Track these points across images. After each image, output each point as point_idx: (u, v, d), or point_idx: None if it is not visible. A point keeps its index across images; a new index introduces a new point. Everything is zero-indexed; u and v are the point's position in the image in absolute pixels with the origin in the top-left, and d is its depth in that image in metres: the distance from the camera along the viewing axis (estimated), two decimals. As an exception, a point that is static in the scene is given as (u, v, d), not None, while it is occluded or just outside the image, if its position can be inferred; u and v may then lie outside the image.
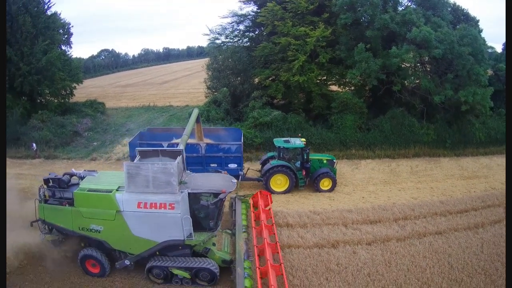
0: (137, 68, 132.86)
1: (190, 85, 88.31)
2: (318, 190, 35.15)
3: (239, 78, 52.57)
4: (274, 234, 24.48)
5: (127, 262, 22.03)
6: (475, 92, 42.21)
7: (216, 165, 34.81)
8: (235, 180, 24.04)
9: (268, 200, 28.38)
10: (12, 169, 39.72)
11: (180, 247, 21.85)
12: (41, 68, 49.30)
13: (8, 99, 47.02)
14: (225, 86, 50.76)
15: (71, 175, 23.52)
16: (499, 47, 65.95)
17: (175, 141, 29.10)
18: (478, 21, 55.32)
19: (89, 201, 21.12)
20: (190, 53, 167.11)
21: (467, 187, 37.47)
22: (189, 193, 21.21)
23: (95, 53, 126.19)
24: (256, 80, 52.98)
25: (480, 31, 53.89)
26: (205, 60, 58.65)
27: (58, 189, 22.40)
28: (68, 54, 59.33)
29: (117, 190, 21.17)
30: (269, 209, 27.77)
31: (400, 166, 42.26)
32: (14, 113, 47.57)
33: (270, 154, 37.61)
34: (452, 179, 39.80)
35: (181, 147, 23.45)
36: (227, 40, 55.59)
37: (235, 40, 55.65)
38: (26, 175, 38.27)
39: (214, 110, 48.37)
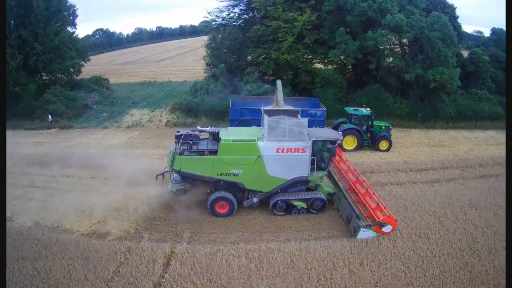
0: (131, 46, 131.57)
1: (186, 63, 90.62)
2: (377, 149, 41.57)
3: (234, 56, 57.04)
4: (358, 175, 29.22)
5: (255, 200, 27.04)
6: (443, 72, 46.98)
7: None
8: (341, 132, 31.23)
9: (342, 153, 33.19)
10: (30, 138, 44.22)
11: (298, 184, 27.15)
12: (53, 47, 52.44)
13: (23, 76, 51.05)
14: (222, 62, 54.97)
15: (200, 131, 27.60)
16: (487, 31, 71.44)
17: (270, 107, 32.29)
18: (455, 8, 60.06)
19: (234, 149, 25.58)
20: (183, 32, 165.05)
21: (431, 153, 41.95)
22: (313, 141, 26.21)
23: (90, 33, 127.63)
24: (250, 57, 57.43)
25: (456, 17, 59.21)
26: (199, 39, 61.84)
27: (204, 141, 27.20)
28: (74, 35, 61.16)
29: (257, 139, 25.85)
30: (346, 160, 32.29)
31: (374, 134, 45.96)
32: (29, 89, 50.93)
33: (340, 119, 43.21)
34: (419, 146, 44.26)
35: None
36: (223, 22, 59.43)
37: (231, 21, 59.36)
38: (44, 143, 42.34)
39: (213, 84, 51.99)
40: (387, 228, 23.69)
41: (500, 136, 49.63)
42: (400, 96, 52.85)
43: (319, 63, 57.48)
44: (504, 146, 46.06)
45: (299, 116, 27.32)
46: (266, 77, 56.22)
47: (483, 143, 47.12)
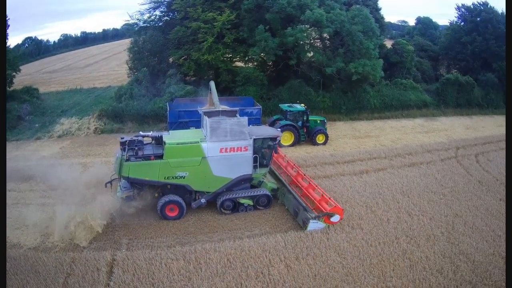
0: (57, 54, 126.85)
1: (110, 67, 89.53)
2: (314, 143, 42.82)
3: (156, 59, 56.82)
4: (295, 167, 31.06)
5: (203, 200, 27.34)
6: (365, 64, 48.36)
7: None
8: (279, 129, 31.72)
9: (279, 149, 33.34)
10: (-33, 153, 43.35)
11: (243, 182, 28.01)
12: (-15, 58, 50.52)
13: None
14: (145, 66, 54.49)
15: (143, 136, 27.69)
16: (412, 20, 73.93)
17: (205, 107, 33.13)
18: (377, 0, 62.36)
19: (179, 152, 25.84)
20: (106, 36, 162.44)
21: (357, 144, 43.11)
22: (254, 139, 26.94)
23: (19, 42, 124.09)
24: (171, 59, 57.19)
25: (379, 9, 61.66)
26: (121, 42, 60.82)
27: (148, 146, 27.29)
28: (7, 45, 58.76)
29: (200, 141, 26.28)
30: (281, 155, 33.47)
31: (297, 128, 46.51)
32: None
33: (276, 116, 44.12)
34: (344, 138, 45.36)
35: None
36: (145, 24, 59.32)
37: (152, 24, 59.18)
38: (-17, 157, 41.60)
39: (136, 88, 51.46)
40: (335, 218, 24.69)
41: (428, 124, 51.94)
42: (322, 90, 54.00)
43: (239, 61, 58.26)
44: (433, 134, 48.18)
45: (237, 115, 28.42)
46: (188, 78, 56.84)
47: (410, 132, 48.62)
